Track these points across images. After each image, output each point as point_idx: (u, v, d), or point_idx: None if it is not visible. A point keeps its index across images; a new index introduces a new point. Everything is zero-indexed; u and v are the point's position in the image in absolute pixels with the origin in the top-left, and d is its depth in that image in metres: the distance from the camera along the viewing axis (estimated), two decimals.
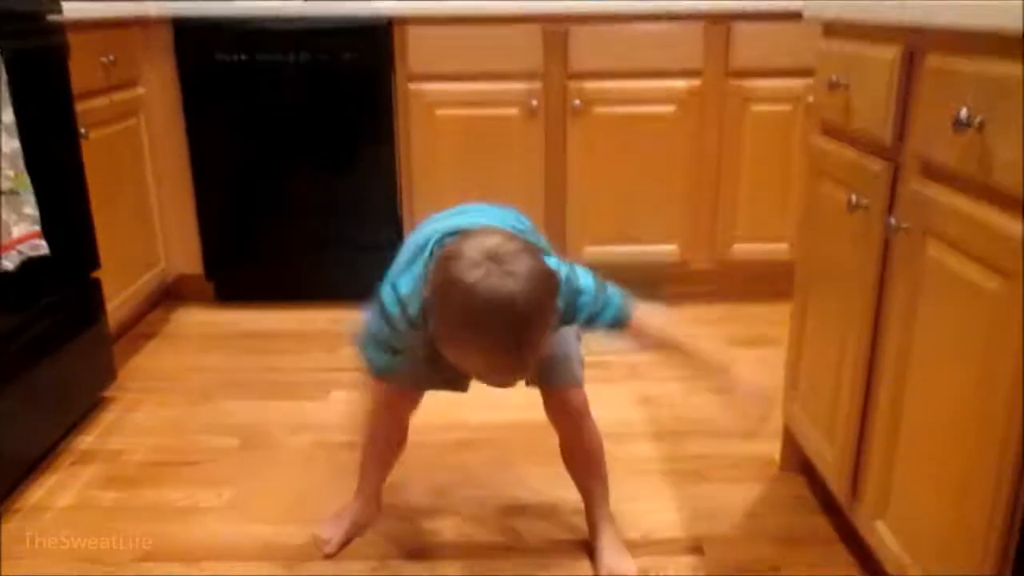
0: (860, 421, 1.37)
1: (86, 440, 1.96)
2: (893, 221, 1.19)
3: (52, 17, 1.87)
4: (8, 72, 1.59)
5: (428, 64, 2.53)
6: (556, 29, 2.51)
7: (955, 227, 1.07)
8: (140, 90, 2.43)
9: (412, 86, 2.55)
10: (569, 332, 1.44)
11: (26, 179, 1.61)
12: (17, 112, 1.61)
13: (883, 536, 1.28)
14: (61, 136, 1.90)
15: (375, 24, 2.50)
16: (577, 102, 2.54)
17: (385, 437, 1.57)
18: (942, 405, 1.11)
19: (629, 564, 1.51)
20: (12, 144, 1.58)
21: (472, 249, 1.14)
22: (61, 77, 1.90)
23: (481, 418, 1.99)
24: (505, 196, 2.58)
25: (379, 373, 1.39)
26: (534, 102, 2.55)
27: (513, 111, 2.57)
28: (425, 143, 2.59)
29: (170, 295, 2.74)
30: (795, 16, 2.34)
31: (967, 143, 1.03)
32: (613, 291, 1.33)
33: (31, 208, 1.63)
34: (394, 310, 1.25)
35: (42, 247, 1.65)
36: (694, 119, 2.58)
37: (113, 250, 2.19)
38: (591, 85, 2.54)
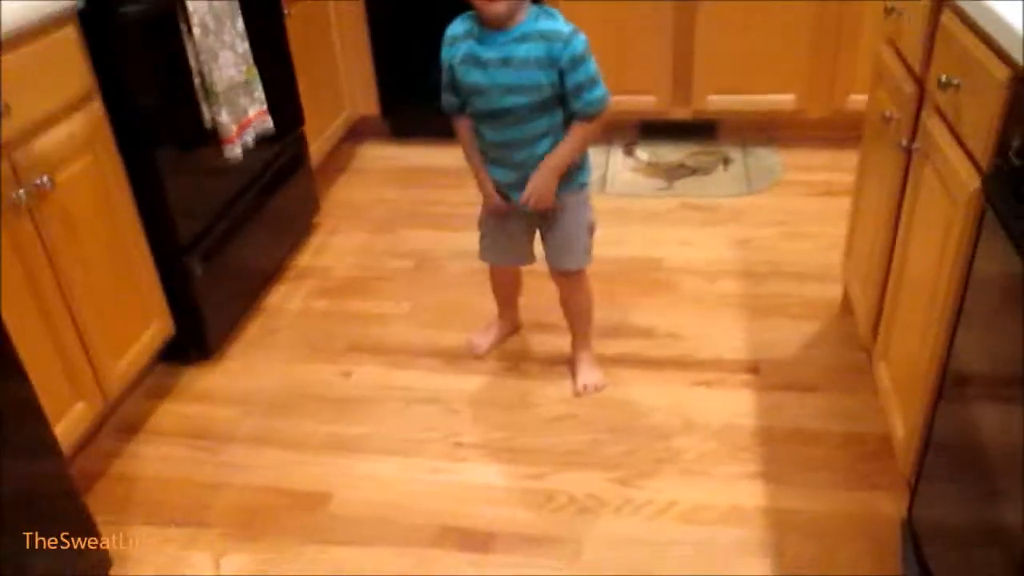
0: (883, 281, 1.74)
1: (303, 258, 2.60)
2: (904, 142, 1.51)
3: None
4: None
5: None
6: None
7: (938, 157, 1.40)
8: None
9: None
10: (578, 222, 1.87)
11: (255, 70, 2.13)
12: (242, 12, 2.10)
13: (882, 376, 1.70)
14: (271, 23, 2.40)
15: None
16: None
17: (500, 292, 2.15)
18: (921, 273, 1.48)
19: (597, 375, 2.03)
20: (244, 45, 2.08)
21: None
22: None
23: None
24: (638, 46, 2.93)
25: (450, 109, 1.85)
26: None
27: None
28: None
29: (355, 133, 3.29)
30: None
31: (948, 98, 1.34)
32: (600, 87, 1.72)
33: (259, 92, 2.16)
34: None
35: (268, 122, 2.20)
36: None
37: (312, 103, 2.73)
38: None
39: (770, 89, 2.95)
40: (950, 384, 1.34)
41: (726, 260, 2.47)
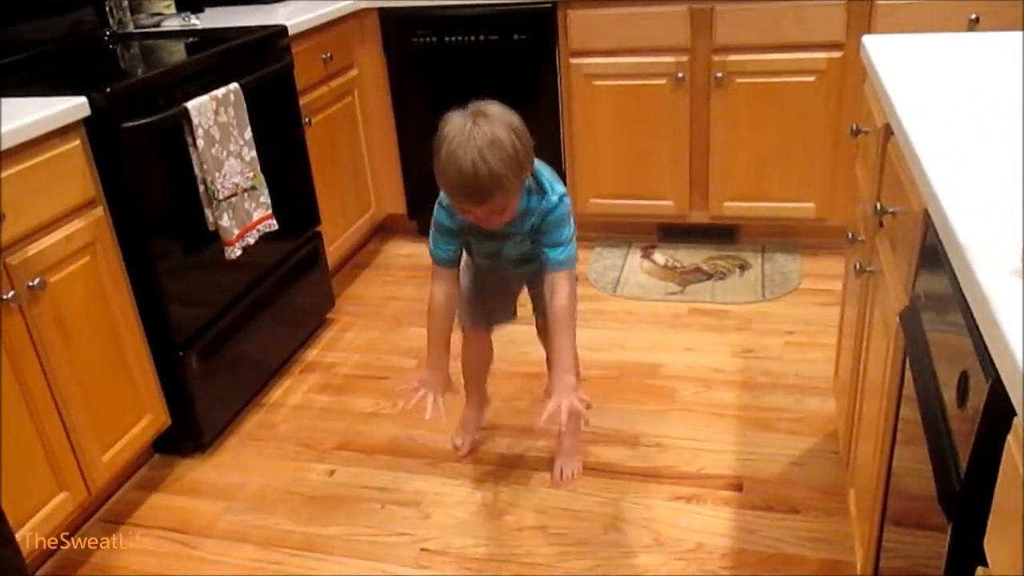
0: (854, 400, 1.69)
1: (311, 353, 2.68)
2: (858, 265, 1.49)
3: (281, 42, 2.47)
4: (248, 97, 2.20)
5: (587, 41, 2.90)
6: (702, 8, 2.76)
7: (882, 281, 1.37)
8: (354, 72, 3.02)
9: (573, 60, 2.93)
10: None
11: (261, 177, 2.24)
12: (255, 124, 2.23)
13: (851, 501, 1.64)
14: (289, 133, 2.53)
15: (542, 7, 2.89)
16: (719, 74, 2.80)
17: (472, 367, 2.17)
18: (873, 392, 1.44)
19: (575, 462, 2.06)
20: (252, 154, 2.21)
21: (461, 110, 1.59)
22: (289, 88, 2.51)
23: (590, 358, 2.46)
24: (654, 156, 2.99)
25: (440, 262, 1.86)
26: (680, 74, 2.84)
27: (662, 81, 2.88)
28: (584, 109, 2.99)
29: (382, 230, 3.41)
30: None
31: (889, 224, 1.32)
32: (572, 247, 1.75)
33: (265, 197, 2.27)
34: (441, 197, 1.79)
35: (273, 225, 2.30)
36: (834, 89, 2.74)
37: (335, 202, 2.86)
38: (733, 58, 2.79)
39: (788, 197, 2.94)
40: (892, 507, 1.29)
41: (727, 369, 2.43)
